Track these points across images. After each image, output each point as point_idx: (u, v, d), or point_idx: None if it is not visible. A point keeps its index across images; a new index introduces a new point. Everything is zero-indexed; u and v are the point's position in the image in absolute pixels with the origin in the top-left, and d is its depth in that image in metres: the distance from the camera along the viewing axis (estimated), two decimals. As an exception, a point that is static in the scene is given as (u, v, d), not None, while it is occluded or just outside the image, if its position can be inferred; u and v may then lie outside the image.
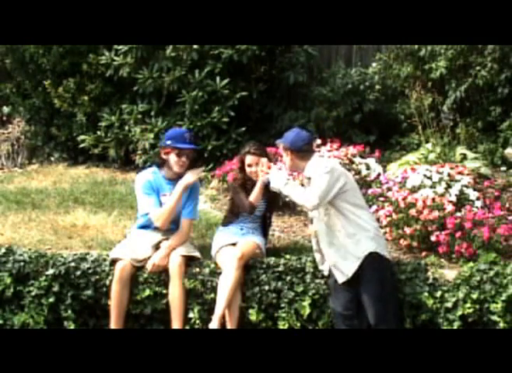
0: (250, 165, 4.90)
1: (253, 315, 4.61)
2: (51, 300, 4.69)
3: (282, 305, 4.64)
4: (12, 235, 5.38)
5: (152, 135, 7.14)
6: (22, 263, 4.76)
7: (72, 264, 4.75)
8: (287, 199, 4.54)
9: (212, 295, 4.61)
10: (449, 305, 4.48)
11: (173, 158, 4.82)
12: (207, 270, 4.71)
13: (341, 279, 4.41)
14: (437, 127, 6.80)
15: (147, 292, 4.67)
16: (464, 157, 6.29)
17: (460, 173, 5.50)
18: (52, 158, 8.24)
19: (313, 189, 4.33)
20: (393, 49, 7.60)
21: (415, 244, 4.99)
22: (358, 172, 5.95)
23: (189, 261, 4.76)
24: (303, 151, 4.46)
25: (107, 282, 4.70)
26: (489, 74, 6.85)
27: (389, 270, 4.49)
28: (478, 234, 4.79)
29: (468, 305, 4.43)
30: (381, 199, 5.40)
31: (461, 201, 5.20)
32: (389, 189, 5.46)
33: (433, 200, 5.06)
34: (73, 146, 7.99)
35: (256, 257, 4.78)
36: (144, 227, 4.93)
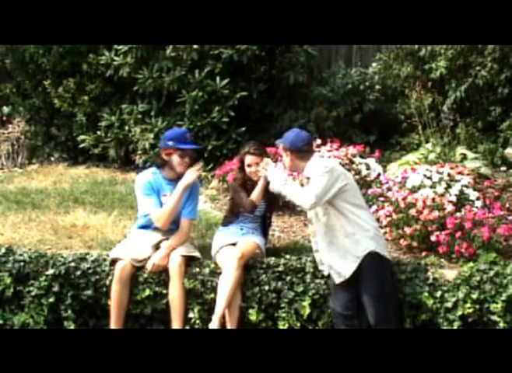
0: (249, 165, 4.89)
1: (253, 315, 4.61)
2: (51, 300, 4.69)
3: (282, 305, 4.64)
4: (12, 235, 5.38)
5: (152, 135, 7.14)
6: (22, 263, 4.76)
7: (72, 264, 4.75)
8: (287, 199, 4.54)
9: (212, 295, 4.61)
10: (449, 305, 4.48)
11: (175, 159, 4.82)
12: (207, 270, 4.71)
13: (337, 279, 4.42)
14: (437, 127, 6.80)
15: (147, 292, 4.67)
16: (464, 157, 6.29)
17: (460, 173, 5.51)
18: (52, 158, 8.24)
19: (310, 188, 4.34)
20: (393, 49, 7.61)
21: (415, 244, 4.99)
22: (358, 172, 5.95)
23: (189, 261, 4.76)
24: (302, 152, 4.47)
25: (107, 282, 4.69)
26: (489, 74, 6.85)
27: (389, 270, 4.49)
28: (478, 234, 4.80)
29: (468, 304, 4.43)
30: (381, 199, 5.41)
31: (461, 201, 5.20)
32: (389, 189, 5.47)
33: (433, 200, 5.07)
34: (73, 146, 7.99)
35: (256, 257, 4.78)
36: (144, 227, 4.94)
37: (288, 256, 4.75)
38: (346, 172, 4.62)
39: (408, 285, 4.56)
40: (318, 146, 6.31)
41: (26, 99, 8.21)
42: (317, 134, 6.88)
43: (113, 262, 4.71)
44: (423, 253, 4.94)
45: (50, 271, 4.72)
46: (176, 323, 4.59)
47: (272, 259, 4.75)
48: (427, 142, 6.63)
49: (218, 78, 7.06)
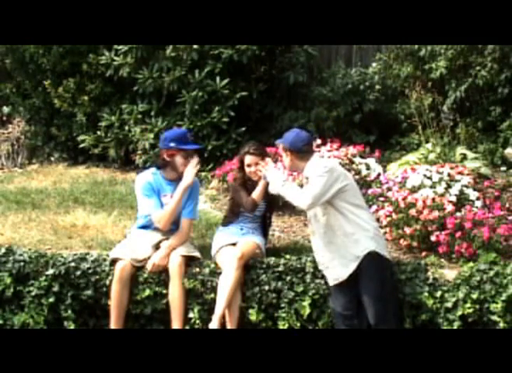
0: (249, 165, 4.89)
1: (253, 315, 4.61)
2: (51, 300, 4.69)
3: (282, 305, 4.64)
4: (12, 235, 5.38)
5: (152, 135, 7.14)
6: (22, 263, 4.76)
7: (72, 264, 4.75)
8: (285, 199, 4.54)
9: (212, 295, 4.61)
10: (449, 305, 4.48)
11: (179, 159, 4.82)
12: (207, 270, 4.71)
13: (332, 282, 4.43)
14: (437, 127, 6.80)
15: (147, 292, 4.67)
16: (464, 157, 6.29)
17: (460, 173, 5.51)
18: (52, 158, 8.24)
19: (308, 189, 4.34)
20: (393, 49, 7.61)
21: (415, 244, 4.99)
22: (358, 172, 5.95)
23: (189, 261, 4.76)
24: (302, 152, 4.47)
25: (107, 282, 4.69)
26: (489, 74, 6.85)
27: (389, 270, 4.49)
28: (478, 234, 4.80)
29: (468, 305, 4.43)
30: (381, 199, 5.41)
31: (461, 201, 5.21)
32: (389, 189, 5.47)
33: (433, 200, 5.07)
34: (73, 146, 8.00)
35: (256, 257, 4.78)
36: (144, 227, 4.94)
37: (288, 256, 4.75)
38: (346, 172, 4.62)
39: (408, 285, 4.56)
40: (318, 146, 6.31)
41: (26, 99, 8.21)
42: (317, 134, 6.88)
43: (113, 262, 4.71)
44: (423, 253, 4.94)
45: (50, 271, 4.72)
46: (176, 323, 4.59)
47: (272, 259, 4.75)
48: (427, 142, 6.63)
49: (218, 78, 7.07)
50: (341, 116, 7.28)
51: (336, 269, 4.42)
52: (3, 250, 4.83)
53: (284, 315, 4.62)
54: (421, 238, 4.97)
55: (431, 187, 5.26)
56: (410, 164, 6.05)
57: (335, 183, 4.32)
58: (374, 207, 5.28)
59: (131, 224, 5.26)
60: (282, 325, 4.59)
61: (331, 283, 4.46)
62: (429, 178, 5.37)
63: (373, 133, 7.38)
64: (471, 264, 4.60)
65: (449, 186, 5.28)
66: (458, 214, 5.00)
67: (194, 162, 4.79)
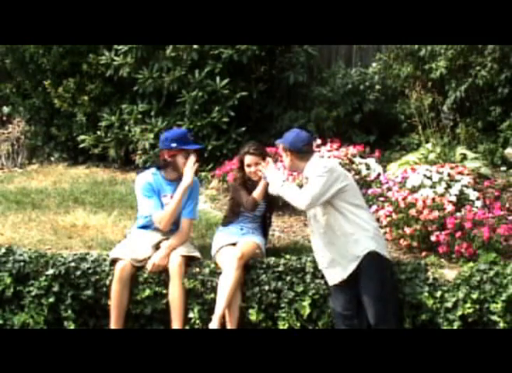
0: (249, 166, 4.89)
1: (253, 315, 4.61)
2: (51, 300, 4.70)
3: (282, 305, 4.64)
4: (12, 235, 5.38)
5: (152, 135, 7.13)
6: (22, 263, 4.76)
7: (72, 264, 4.75)
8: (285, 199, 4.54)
9: (212, 295, 4.61)
10: (449, 305, 4.48)
11: (180, 160, 4.81)
12: (207, 270, 4.71)
13: (331, 282, 4.42)
14: (437, 127, 6.80)
15: (147, 292, 4.67)
16: (464, 157, 6.29)
17: (460, 173, 5.51)
18: (52, 158, 8.24)
19: (307, 189, 4.34)
20: (393, 49, 7.61)
21: (415, 244, 4.99)
22: (358, 172, 5.95)
23: (189, 261, 4.76)
24: (302, 152, 4.47)
25: (107, 282, 4.69)
26: (489, 74, 6.85)
27: (389, 270, 4.49)
28: (478, 234, 4.80)
29: (468, 305, 4.43)
30: (381, 199, 5.41)
31: (461, 201, 5.21)
32: (389, 189, 5.47)
33: (433, 200, 5.07)
34: (73, 146, 8.00)
35: (256, 257, 4.78)
36: (144, 227, 4.94)
37: (288, 256, 4.75)
38: (346, 172, 4.62)
39: (408, 285, 4.56)
40: (318, 146, 6.31)
41: (26, 99, 8.21)
42: (317, 134, 6.88)
43: (113, 262, 4.71)
44: (423, 253, 4.94)
45: (50, 271, 4.72)
46: (176, 323, 4.59)
47: (272, 259, 4.75)
48: (427, 142, 6.63)
49: (218, 78, 7.07)
50: (341, 116, 7.28)
51: (336, 269, 4.42)
52: (3, 250, 4.83)
53: (284, 315, 4.62)
54: (421, 238, 4.97)
55: (431, 187, 5.26)
56: (410, 164, 6.05)
57: (335, 183, 4.32)
58: (374, 207, 5.28)
59: (131, 224, 5.26)
60: (282, 325, 4.59)
61: (331, 283, 4.46)
62: (429, 178, 5.37)
63: (373, 133, 7.38)
64: (471, 264, 4.60)
65: (449, 186, 5.28)
66: (458, 214, 5.00)
67: (191, 162, 4.78)
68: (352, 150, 6.27)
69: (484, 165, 6.20)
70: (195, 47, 7.05)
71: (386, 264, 4.44)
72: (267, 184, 4.73)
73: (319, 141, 6.43)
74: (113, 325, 4.61)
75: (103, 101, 7.66)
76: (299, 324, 4.59)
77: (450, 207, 4.99)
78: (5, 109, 8.81)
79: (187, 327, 4.62)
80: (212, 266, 4.75)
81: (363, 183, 5.80)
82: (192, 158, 4.79)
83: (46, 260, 4.78)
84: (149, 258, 4.73)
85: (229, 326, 4.54)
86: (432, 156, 6.25)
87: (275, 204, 5.25)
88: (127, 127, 7.41)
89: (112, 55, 7.34)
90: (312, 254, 4.65)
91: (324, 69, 8.09)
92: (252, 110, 7.52)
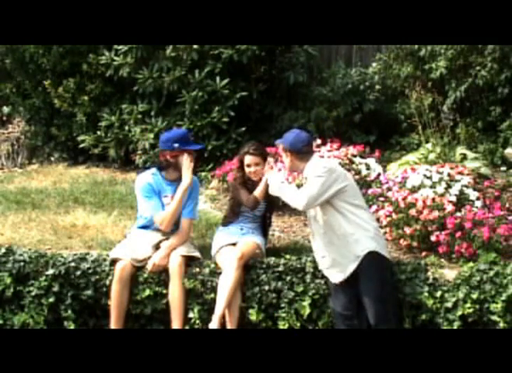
0: (249, 166, 4.89)
1: (253, 315, 4.61)
2: (51, 300, 4.70)
3: (282, 305, 4.64)
4: (12, 235, 5.38)
5: (152, 135, 7.13)
6: (22, 263, 4.76)
7: (72, 264, 4.75)
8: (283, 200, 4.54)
9: (212, 295, 4.61)
10: (449, 305, 4.48)
11: (182, 160, 4.82)
12: (207, 270, 4.72)
13: (334, 279, 4.42)
14: (437, 127, 6.80)
15: (147, 292, 4.67)
16: (464, 157, 6.29)
17: (460, 173, 5.51)
18: (52, 158, 8.24)
19: (305, 190, 4.34)
20: (393, 49, 7.61)
21: (415, 244, 4.99)
22: (358, 172, 5.95)
23: (189, 261, 4.76)
24: (302, 153, 4.47)
25: (107, 282, 4.70)
26: (489, 74, 6.85)
27: (389, 270, 4.49)
28: (478, 234, 4.80)
29: (468, 305, 4.43)
30: (381, 199, 5.41)
31: (461, 201, 5.20)
32: (389, 189, 5.46)
33: (433, 200, 5.06)
34: (73, 146, 8.00)
35: (256, 257, 4.78)
36: (144, 227, 4.94)
37: (288, 256, 4.75)
38: (346, 172, 4.62)
39: (408, 285, 4.56)
40: (318, 146, 6.31)
41: (26, 99, 8.21)
42: (317, 134, 6.88)
43: (114, 262, 4.71)
44: (423, 253, 4.94)
45: (50, 271, 4.72)
46: (176, 323, 4.59)
47: (272, 259, 4.75)
48: (427, 142, 6.62)
49: (218, 78, 7.07)
50: (341, 116, 7.29)
51: (336, 269, 4.42)
52: (3, 250, 4.83)
53: (284, 315, 4.62)
54: (421, 238, 4.97)
55: (431, 187, 5.26)
56: (410, 164, 6.05)
57: (334, 183, 4.32)
58: (374, 207, 5.28)
59: (131, 224, 5.26)
60: (282, 325, 4.59)
61: (331, 283, 4.46)
62: (429, 178, 5.36)
63: (373, 133, 7.38)
64: (471, 264, 4.60)
65: (449, 186, 5.28)
66: (458, 214, 5.00)
67: (186, 162, 4.77)
68: (352, 150, 6.28)
69: (484, 165, 6.20)
70: (195, 47, 7.05)
71: (386, 264, 4.44)
72: (267, 183, 4.73)
73: (319, 141, 6.43)
74: (113, 325, 4.61)
75: (103, 101, 7.66)
76: (299, 324, 4.59)
77: (450, 207, 4.99)
78: (5, 109, 8.82)
79: (187, 327, 4.62)
80: (212, 266, 4.75)
81: (363, 183, 5.80)
82: (188, 159, 4.78)
83: (46, 260, 4.78)
84: (149, 258, 4.73)
85: (229, 326, 4.54)
86: (432, 156, 6.25)
87: (275, 204, 5.25)
88: (127, 127, 7.41)
89: (112, 55, 7.34)
90: (312, 254, 4.65)
91: (324, 69, 8.09)
92: (252, 110, 7.52)
